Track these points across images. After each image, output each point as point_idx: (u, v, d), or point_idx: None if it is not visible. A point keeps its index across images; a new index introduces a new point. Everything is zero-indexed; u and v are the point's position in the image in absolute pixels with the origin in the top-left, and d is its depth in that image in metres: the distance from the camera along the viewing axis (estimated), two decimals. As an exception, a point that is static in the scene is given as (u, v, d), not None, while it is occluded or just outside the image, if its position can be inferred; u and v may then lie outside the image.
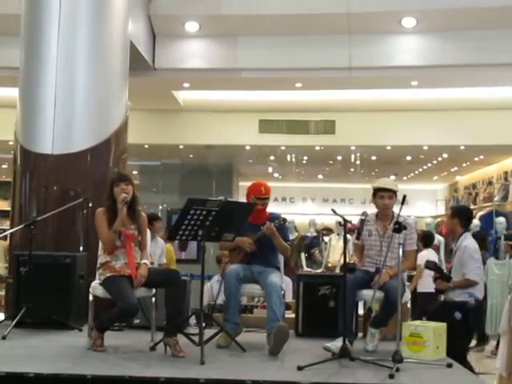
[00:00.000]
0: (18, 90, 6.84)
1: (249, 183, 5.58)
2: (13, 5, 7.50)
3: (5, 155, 11.72)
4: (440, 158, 14.04)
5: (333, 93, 10.89)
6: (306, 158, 14.57)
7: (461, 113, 11.28)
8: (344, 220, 4.79)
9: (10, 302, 6.26)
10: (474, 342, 7.46)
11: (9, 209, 7.23)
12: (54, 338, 5.46)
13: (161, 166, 14.49)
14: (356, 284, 5.07)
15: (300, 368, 4.38)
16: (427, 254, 8.29)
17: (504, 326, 5.59)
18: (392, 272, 5.05)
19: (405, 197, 4.87)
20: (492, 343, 7.97)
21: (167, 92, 10.69)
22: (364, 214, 5.18)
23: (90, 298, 5.09)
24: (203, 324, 4.77)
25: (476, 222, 10.11)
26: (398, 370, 4.35)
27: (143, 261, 5.09)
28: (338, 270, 9.62)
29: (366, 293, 5.13)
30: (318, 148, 12.96)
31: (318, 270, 10.68)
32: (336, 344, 4.78)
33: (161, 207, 13.73)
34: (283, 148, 13.19)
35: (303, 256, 11.33)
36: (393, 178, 14.42)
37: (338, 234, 10.56)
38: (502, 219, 10.15)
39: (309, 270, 10.84)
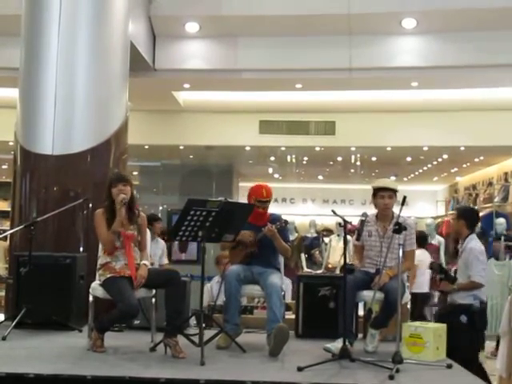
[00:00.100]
0: (18, 91, 6.84)
1: (249, 184, 5.58)
2: (13, 5, 7.50)
3: (5, 156, 11.72)
4: (440, 159, 14.04)
5: (333, 94, 10.89)
6: (306, 158, 14.57)
7: (461, 114, 11.28)
8: (344, 221, 4.79)
9: (10, 303, 6.25)
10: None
11: (9, 209, 7.23)
12: (54, 339, 5.46)
13: (161, 166, 14.49)
14: (356, 285, 5.07)
15: (300, 369, 4.38)
16: (419, 254, 8.29)
17: (504, 326, 5.59)
18: (392, 273, 5.05)
19: (405, 198, 4.87)
20: (491, 344, 7.96)
21: (167, 93, 10.70)
22: (364, 214, 5.18)
23: (90, 298, 5.09)
24: (203, 325, 4.77)
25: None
26: (397, 370, 4.35)
27: (143, 261, 5.09)
28: (338, 271, 9.62)
29: (366, 294, 5.13)
30: (318, 149, 12.96)
31: (318, 271, 10.67)
32: (336, 345, 4.77)
33: (161, 208, 13.73)
34: (283, 149, 13.19)
35: (303, 257, 11.33)
36: (393, 178, 14.44)
37: (338, 235, 10.55)
38: (502, 220, 10.15)
39: (309, 270, 10.83)
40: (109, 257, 5.05)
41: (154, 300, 5.23)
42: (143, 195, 13.43)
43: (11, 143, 7.18)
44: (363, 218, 5.13)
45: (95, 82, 6.73)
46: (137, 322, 5.79)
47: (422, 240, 8.83)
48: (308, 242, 11.82)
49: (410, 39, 8.93)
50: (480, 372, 5.11)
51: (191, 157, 14.35)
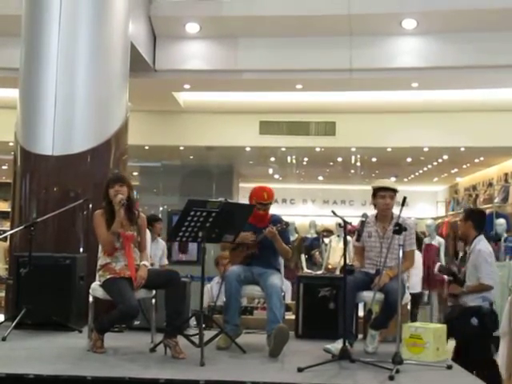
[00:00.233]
0: (18, 91, 6.84)
1: (249, 185, 5.59)
2: (13, 5, 7.51)
3: (5, 156, 11.71)
4: (440, 160, 14.04)
5: (333, 94, 10.89)
6: (306, 159, 14.56)
7: (461, 114, 11.28)
8: (344, 222, 4.79)
9: (10, 303, 6.25)
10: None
11: (9, 210, 7.23)
12: (54, 340, 5.45)
13: (161, 167, 14.49)
14: (356, 286, 5.07)
15: (300, 369, 4.38)
16: None
17: (504, 327, 5.59)
18: (392, 273, 5.05)
19: (405, 198, 4.87)
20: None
21: (168, 93, 10.70)
22: (364, 215, 5.19)
23: (90, 299, 5.10)
24: (203, 325, 4.77)
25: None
26: (397, 371, 4.35)
27: (143, 262, 5.09)
28: (338, 272, 9.62)
29: (366, 294, 5.13)
30: (318, 149, 12.96)
31: (318, 272, 10.67)
32: (336, 345, 4.77)
33: (161, 208, 13.73)
34: (283, 149, 13.19)
35: (303, 257, 11.33)
36: (393, 179, 14.41)
37: (338, 236, 10.55)
38: (502, 221, 10.13)
39: (309, 271, 10.83)
40: (109, 258, 5.05)
41: (153, 301, 5.23)
42: (143, 196, 13.44)
43: (11, 144, 7.18)
44: (363, 219, 5.13)
45: (95, 83, 6.73)
46: (137, 322, 5.79)
47: (417, 242, 8.84)
48: (308, 242, 11.82)
49: (411, 40, 8.92)
50: (495, 374, 5.13)
51: (191, 157, 14.34)
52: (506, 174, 13.52)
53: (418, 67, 9.01)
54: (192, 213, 4.74)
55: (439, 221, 14.91)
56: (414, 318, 7.60)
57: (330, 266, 10.78)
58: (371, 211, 5.41)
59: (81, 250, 6.46)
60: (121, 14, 7.09)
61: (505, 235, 9.82)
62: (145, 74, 9.10)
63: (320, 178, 17.54)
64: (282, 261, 5.71)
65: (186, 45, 9.29)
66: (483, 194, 14.24)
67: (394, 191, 5.26)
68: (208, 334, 4.87)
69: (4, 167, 14.68)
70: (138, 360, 4.68)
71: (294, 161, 14.26)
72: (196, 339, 4.73)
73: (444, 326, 5.10)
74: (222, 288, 5.36)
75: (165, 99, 10.94)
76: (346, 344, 4.64)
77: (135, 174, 14.06)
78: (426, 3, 8.36)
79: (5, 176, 14.82)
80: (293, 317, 6.13)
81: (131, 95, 7.37)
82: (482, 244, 5.41)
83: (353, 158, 13.84)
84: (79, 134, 6.63)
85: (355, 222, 5.26)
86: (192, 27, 9.02)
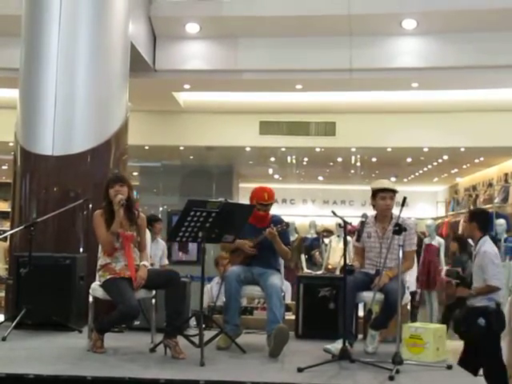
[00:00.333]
0: (18, 91, 6.84)
1: (249, 185, 5.59)
2: (13, 5, 7.51)
3: (5, 156, 11.71)
4: (440, 160, 14.04)
5: (333, 94, 10.89)
6: (306, 159, 14.56)
7: (461, 115, 11.28)
8: (344, 222, 4.79)
9: (10, 304, 6.25)
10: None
11: (9, 210, 7.23)
12: (54, 340, 5.45)
13: (161, 167, 14.49)
14: (356, 286, 5.07)
15: (300, 370, 4.38)
16: None
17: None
18: (392, 274, 5.05)
19: (405, 199, 4.86)
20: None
21: (168, 93, 10.70)
22: (364, 215, 5.18)
23: (90, 299, 5.09)
24: (203, 325, 4.77)
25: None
26: (397, 371, 4.35)
27: (142, 262, 5.09)
28: (338, 272, 9.62)
29: (366, 295, 5.13)
30: (318, 149, 12.97)
31: (318, 272, 10.67)
32: (336, 346, 4.77)
33: (161, 208, 13.73)
34: (283, 149, 13.19)
35: (303, 258, 11.33)
36: (393, 179, 14.41)
37: (338, 236, 10.55)
38: (502, 221, 10.14)
39: (309, 271, 10.83)
40: (109, 258, 5.04)
41: (153, 301, 5.23)
42: (143, 196, 13.43)
43: (11, 144, 7.17)
44: (363, 219, 5.13)
45: (95, 83, 6.73)
46: (137, 322, 5.79)
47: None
48: (308, 242, 11.83)
49: (411, 40, 8.92)
50: (503, 374, 5.13)
51: (191, 157, 14.34)
52: (506, 175, 13.53)
53: (418, 67, 9.01)
54: (192, 213, 4.74)
55: (439, 221, 14.94)
56: (414, 318, 7.61)
57: (329, 266, 10.78)
58: (371, 211, 5.40)
59: (81, 250, 6.46)
60: (121, 14, 7.09)
61: (505, 235, 9.83)
62: (145, 74, 9.10)
63: (320, 178, 17.55)
64: (281, 261, 5.70)
65: (185, 45, 9.29)
66: (483, 195, 14.25)
67: (394, 192, 5.26)
68: (208, 334, 4.87)
69: (4, 167, 14.68)
70: (138, 360, 4.68)
71: (293, 161, 14.26)
72: (196, 339, 4.73)
73: (444, 327, 5.09)
74: (222, 288, 5.35)
75: (165, 99, 10.94)
76: (346, 344, 4.64)
77: (135, 174, 14.06)
78: (426, 3, 8.36)
79: (5, 176, 14.83)
80: (293, 317, 6.13)
81: (131, 95, 7.37)
82: (487, 245, 5.38)
83: (353, 158, 13.85)
84: (79, 133, 6.63)
85: (355, 222, 5.26)
86: (192, 27, 9.02)
